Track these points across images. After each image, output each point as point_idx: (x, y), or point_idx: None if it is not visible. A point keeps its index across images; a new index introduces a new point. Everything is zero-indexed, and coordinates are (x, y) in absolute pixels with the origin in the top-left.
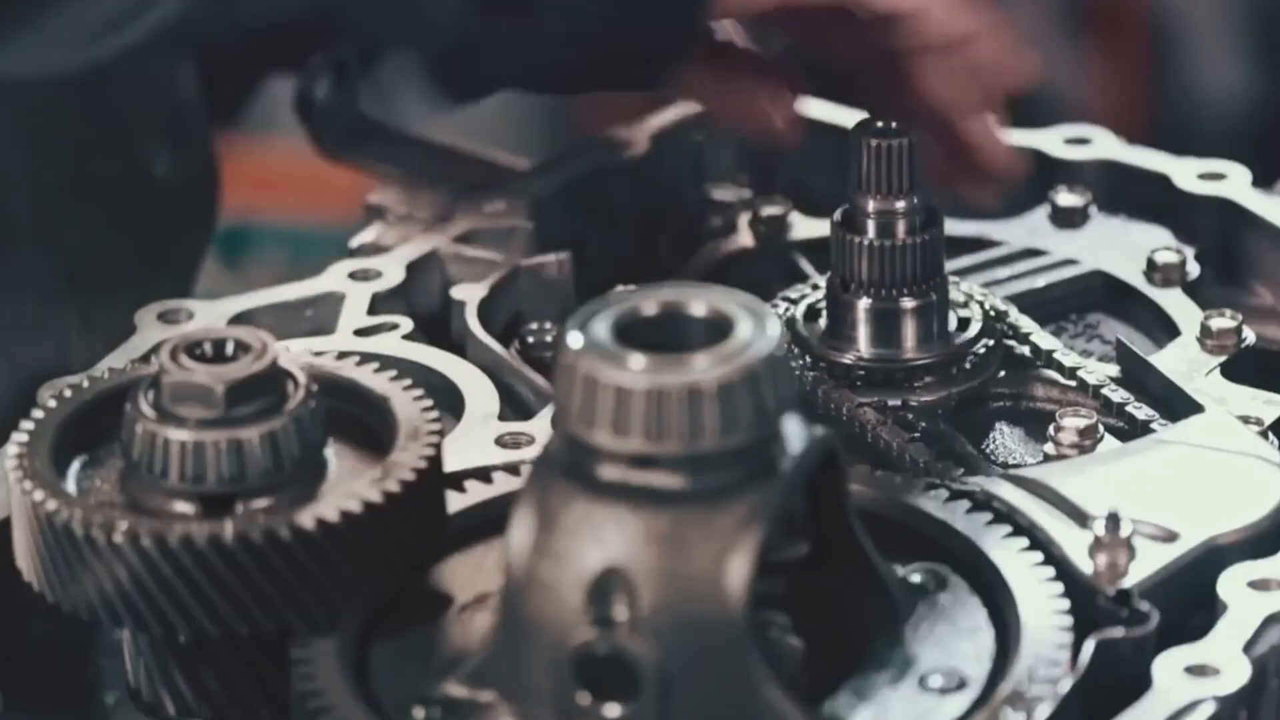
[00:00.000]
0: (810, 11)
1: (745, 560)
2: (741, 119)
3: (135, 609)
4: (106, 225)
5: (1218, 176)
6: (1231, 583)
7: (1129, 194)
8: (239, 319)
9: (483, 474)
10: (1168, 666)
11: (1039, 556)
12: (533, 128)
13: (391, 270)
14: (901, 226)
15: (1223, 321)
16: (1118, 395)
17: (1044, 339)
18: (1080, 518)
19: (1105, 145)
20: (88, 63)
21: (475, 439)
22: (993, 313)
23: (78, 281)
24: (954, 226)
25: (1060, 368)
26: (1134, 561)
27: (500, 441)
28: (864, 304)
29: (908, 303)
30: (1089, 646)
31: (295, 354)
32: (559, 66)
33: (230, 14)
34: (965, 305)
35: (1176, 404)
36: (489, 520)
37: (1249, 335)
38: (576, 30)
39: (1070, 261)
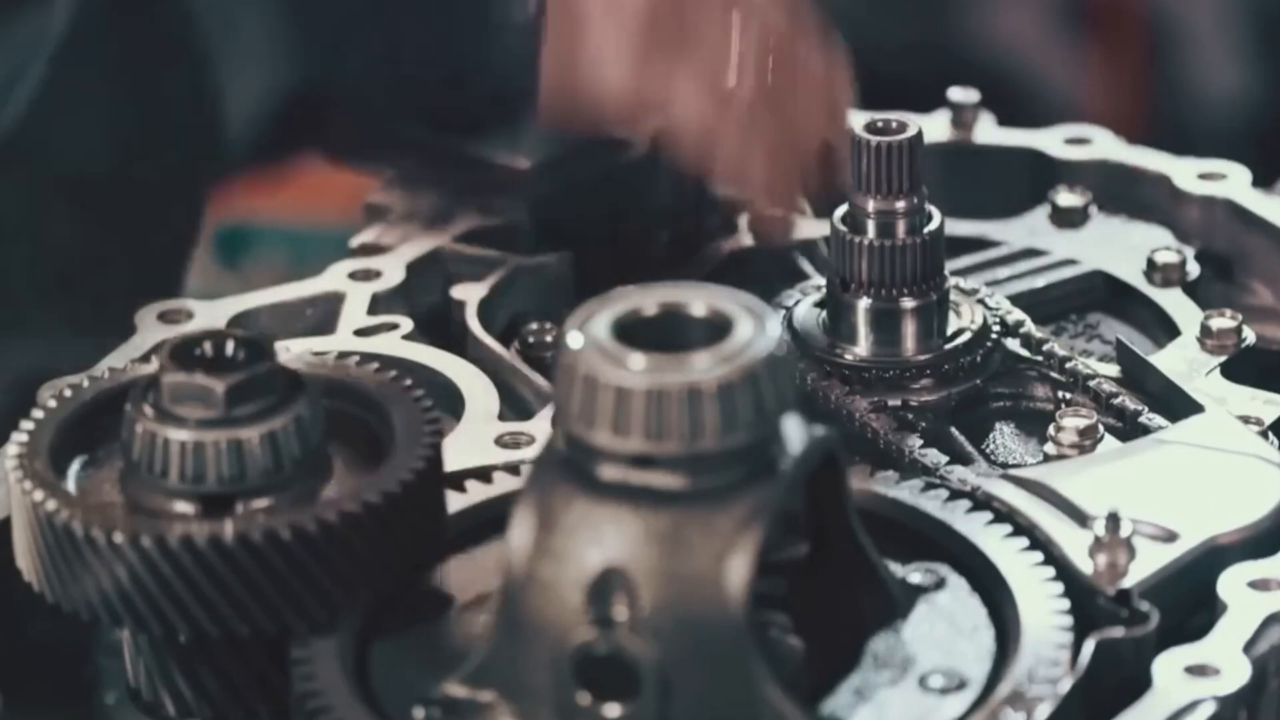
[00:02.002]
0: None
1: (745, 560)
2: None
3: (135, 609)
4: (98, 227)
5: (1218, 176)
6: (1231, 583)
7: (1129, 194)
8: (239, 319)
9: (483, 474)
10: (1168, 666)
11: (1039, 556)
12: (533, 128)
13: (391, 270)
14: (901, 226)
15: (1223, 321)
16: (1117, 395)
17: (1043, 337)
18: (1080, 518)
19: (1105, 145)
20: None
21: (475, 439)
22: (993, 312)
23: (67, 282)
24: (954, 226)
25: (1060, 368)
26: (1134, 561)
27: (500, 441)
28: (864, 304)
29: (908, 303)
30: (1089, 646)
31: (295, 354)
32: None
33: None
34: (966, 305)
35: (1176, 404)
36: (489, 520)
37: (1249, 335)
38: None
39: (1070, 261)
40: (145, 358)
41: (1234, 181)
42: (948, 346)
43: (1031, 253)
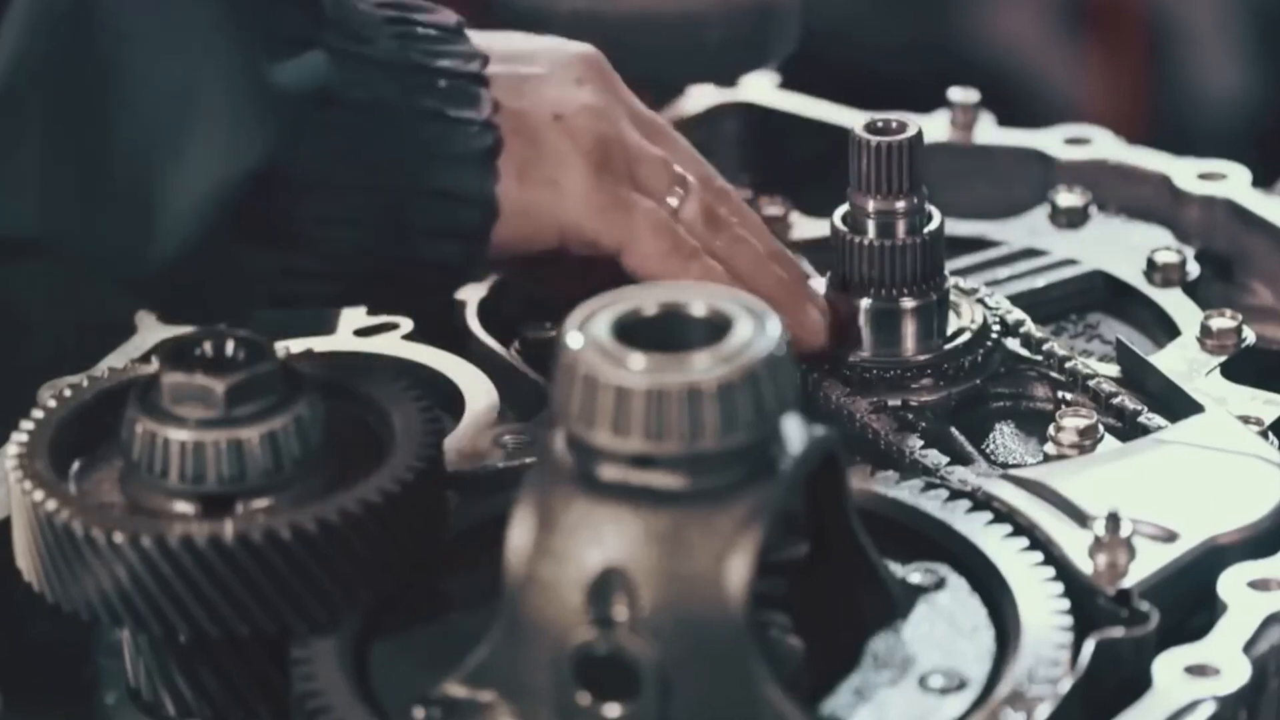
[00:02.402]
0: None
1: (745, 560)
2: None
3: (135, 609)
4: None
5: (1218, 176)
6: (1231, 583)
7: (1129, 194)
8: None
9: (483, 474)
10: (1168, 666)
11: (1039, 556)
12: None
13: None
14: (901, 226)
15: (1223, 321)
16: (1117, 395)
17: (1043, 337)
18: (1080, 518)
19: (1105, 145)
20: None
21: (475, 439)
22: (993, 312)
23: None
24: (954, 226)
25: (1060, 368)
26: (1134, 561)
27: (500, 441)
28: (864, 304)
29: (908, 303)
30: (1089, 646)
31: (295, 354)
32: (326, 296)
33: None
34: (966, 305)
35: (1176, 404)
36: (489, 521)
37: (1249, 335)
38: (345, 263)
39: (1070, 261)
40: (145, 358)
41: (1234, 181)
42: (948, 346)
43: (1031, 253)
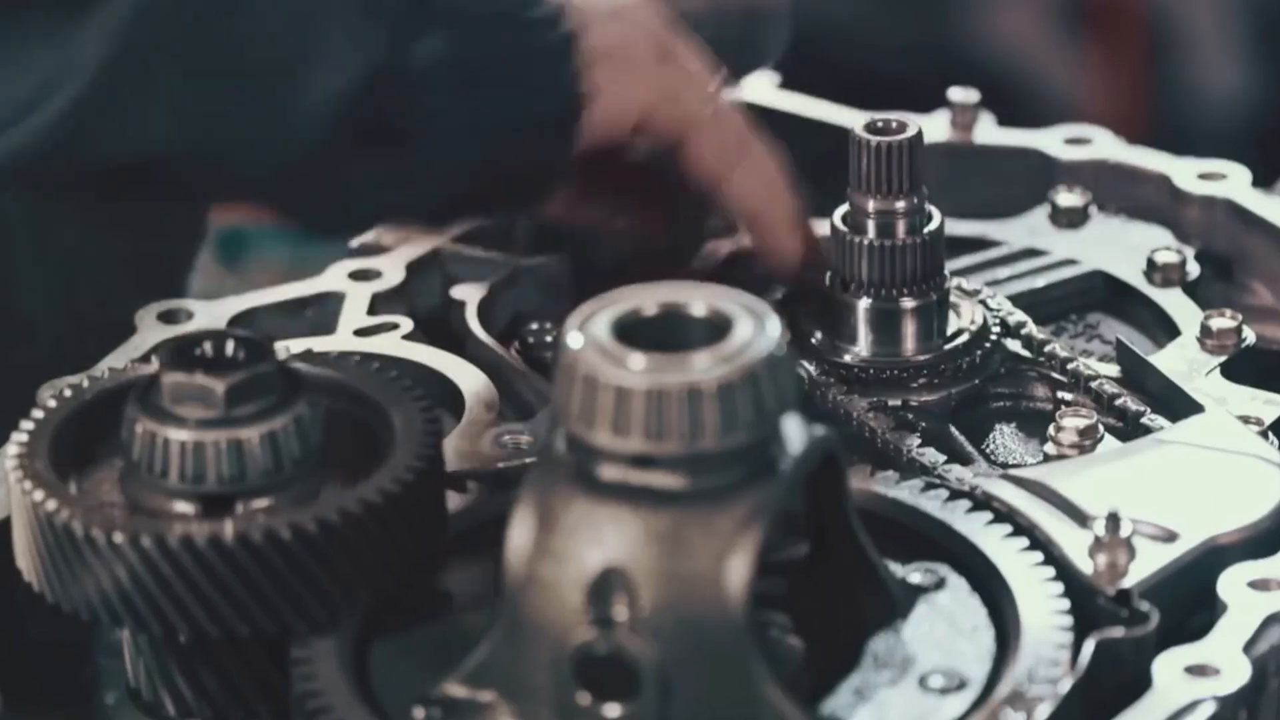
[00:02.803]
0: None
1: (745, 560)
2: (624, 234)
3: (135, 609)
4: (101, 227)
5: (1218, 176)
6: (1231, 583)
7: (1129, 194)
8: (239, 319)
9: (483, 474)
10: (1168, 666)
11: (1039, 556)
12: None
13: (391, 270)
14: (901, 226)
15: (1223, 321)
16: (1118, 395)
17: (1044, 338)
18: (1080, 518)
19: (1105, 145)
20: None
21: (475, 439)
22: (993, 312)
23: (73, 284)
24: (954, 226)
25: (1061, 368)
26: (1134, 561)
27: (500, 441)
28: (864, 304)
29: (908, 303)
30: (1089, 646)
31: (295, 354)
32: (432, 202)
33: (76, 154)
34: (966, 305)
35: (1176, 404)
36: (489, 521)
37: (1249, 335)
38: (451, 163)
39: (1070, 261)
40: (145, 358)
41: (1234, 181)
42: (948, 346)
43: (1031, 253)
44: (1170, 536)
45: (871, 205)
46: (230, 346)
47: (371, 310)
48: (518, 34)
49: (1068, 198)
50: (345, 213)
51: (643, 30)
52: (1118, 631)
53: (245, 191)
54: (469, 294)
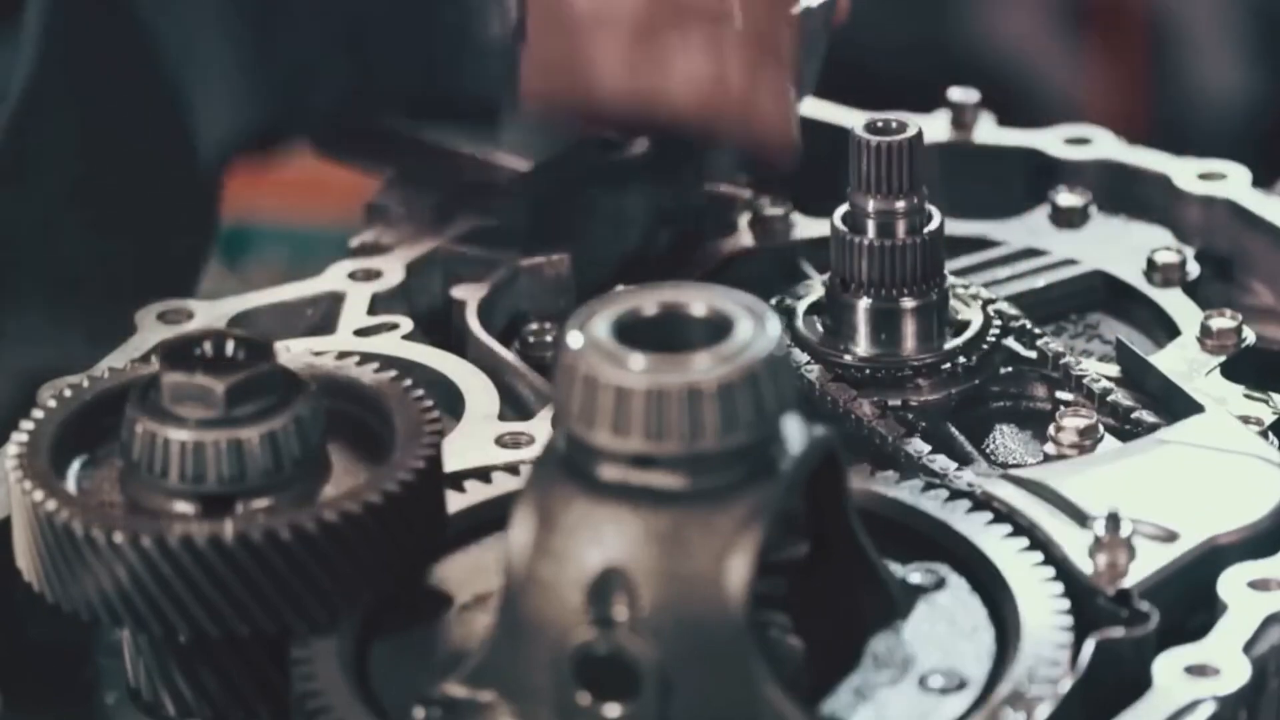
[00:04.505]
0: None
1: (745, 560)
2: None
3: (135, 609)
4: (108, 232)
5: (1218, 176)
6: (1231, 583)
7: (1129, 194)
8: (239, 319)
9: (483, 474)
10: (1168, 666)
11: (1039, 556)
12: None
13: (391, 270)
14: (901, 226)
15: (1223, 321)
16: (1117, 395)
17: (1044, 338)
18: (1080, 518)
19: (1105, 145)
20: None
21: (475, 439)
22: (994, 312)
23: (80, 289)
24: (954, 226)
25: (1060, 368)
26: (1134, 561)
27: (500, 441)
28: (864, 304)
29: (908, 303)
30: (1089, 646)
31: (295, 354)
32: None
33: None
34: (966, 305)
35: (1176, 404)
36: (489, 520)
37: (1249, 335)
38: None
39: (1070, 261)
40: (145, 358)
41: (1234, 181)
42: (948, 346)
43: (1031, 253)
44: (1170, 536)
45: (871, 205)
46: (230, 346)
47: (371, 310)
48: None
49: (1068, 198)
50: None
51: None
52: (1118, 631)
53: None
54: (469, 294)
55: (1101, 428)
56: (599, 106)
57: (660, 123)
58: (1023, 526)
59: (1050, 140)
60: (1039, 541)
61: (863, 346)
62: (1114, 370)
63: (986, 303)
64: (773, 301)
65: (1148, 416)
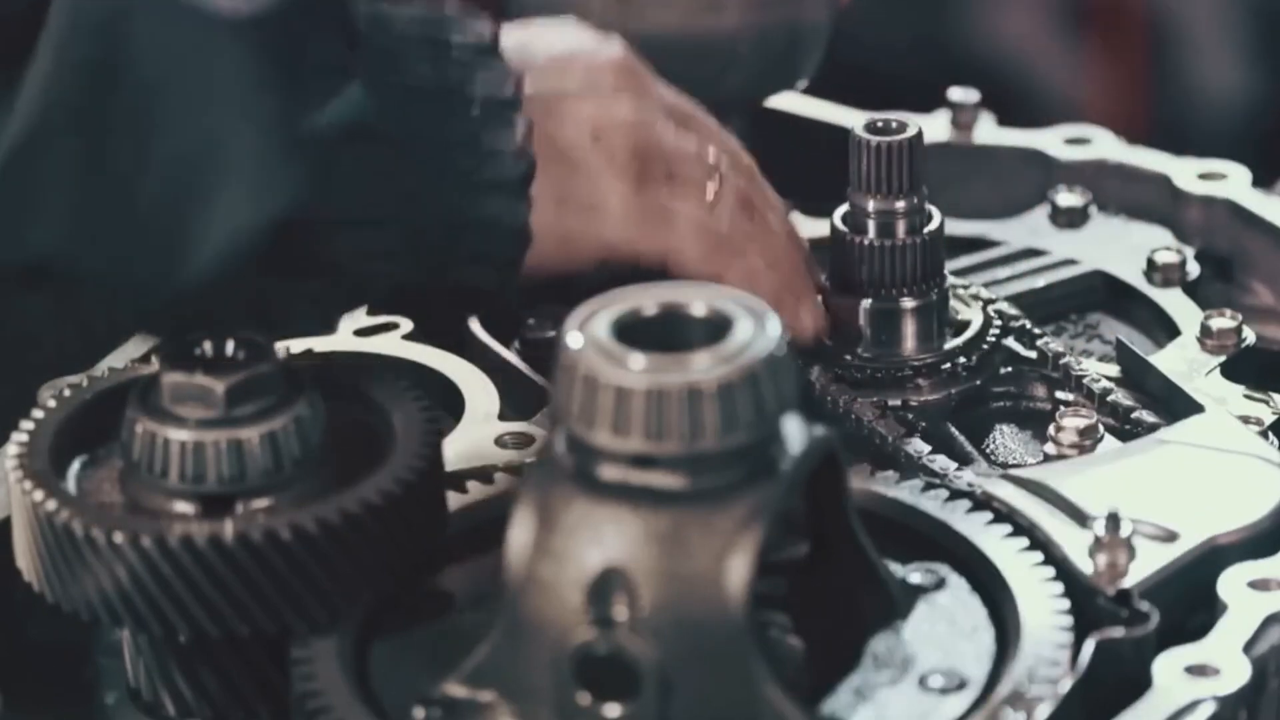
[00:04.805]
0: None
1: (745, 560)
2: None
3: (135, 609)
4: None
5: (1218, 176)
6: (1231, 583)
7: (1129, 194)
8: None
9: (483, 474)
10: (1168, 666)
11: (1039, 556)
12: None
13: None
14: (901, 226)
15: (1223, 321)
16: (1117, 395)
17: (1044, 339)
18: (1080, 518)
19: (1105, 145)
20: None
21: (475, 439)
22: (993, 312)
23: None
24: (954, 226)
25: (1060, 368)
26: (1134, 561)
27: (500, 441)
28: (864, 304)
29: (908, 303)
30: (1089, 646)
31: (295, 354)
32: (359, 306)
33: None
34: (966, 305)
35: (1176, 404)
36: (489, 520)
37: (1249, 335)
38: (380, 288)
39: (1070, 261)
40: (145, 358)
41: (1234, 181)
42: (948, 346)
43: (1031, 253)
44: (1170, 536)
45: (871, 205)
46: (230, 346)
47: (371, 310)
48: (469, 168)
49: (1068, 198)
50: (263, 326)
51: (620, 152)
52: (1118, 631)
53: (140, 310)
54: None
55: (1101, 428)
56: (609, 249)
57: (668, 273)
58: (1023, 526)
59: (1050, 140)
60: (1039, 541)
61: (863, 346)
62: (1114, 370)
63: (986, 303)
64: None
65: (1148, 416)
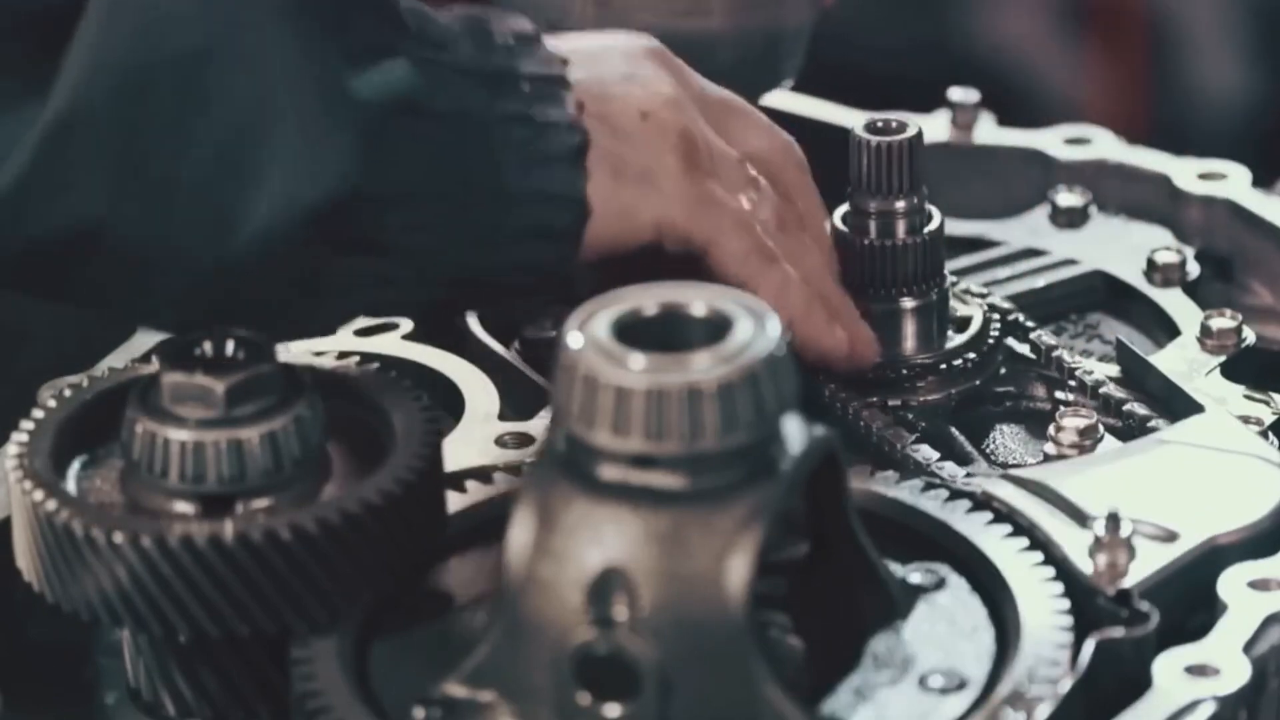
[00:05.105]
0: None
1: (745, 560)
2: None
3: (135, 609)
4: None
5: (1218, 176)
6: (1231, 583)
7: (1129, 194)
8: None
9: (483, 474)
10: (1168, 666)
11: (1039, 556)
12: None
13: None
14: (901, 226)
15: (1223, 321)
16: (1117, 395)
17: (1044, 338)
18: (1080, 518)
19: (1105, 145)
20: None
21: (475, 439)
22: (994, 312)
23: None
24: (954, 226)
25: (1060, 368)
26: (1134, 561)
27: (500, 441)
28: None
29: (908, 303)
30: (1089, 646)
31: (295, 354)
32: (414, 303)
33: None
34: (966, 305)
35: (1176, 404)
36: (489, 520)
37: (1249, 335)
38: (435, 272)
39: (1070, 261)
40: (145, 358)
41: (1234, 181)
42: (948, 346)
43: (1031, 253)
44: (1170, 536)
45: (871, 205)
46: (230, 346)
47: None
48: (522, 141)
49: (1068, 198)
50: (310, 313)
51: (670, 132)
52: (1118, 631)
53: (181, 292)
54: None
55: (1101, 428)
56: (658, 244)
57: (704, 267)
58: (1023, 526)
59: (1050, 140)
60: (1039, 541)
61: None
62: (1114, 370)
63: (987, 302)
64: None
65: (1148, 416)
